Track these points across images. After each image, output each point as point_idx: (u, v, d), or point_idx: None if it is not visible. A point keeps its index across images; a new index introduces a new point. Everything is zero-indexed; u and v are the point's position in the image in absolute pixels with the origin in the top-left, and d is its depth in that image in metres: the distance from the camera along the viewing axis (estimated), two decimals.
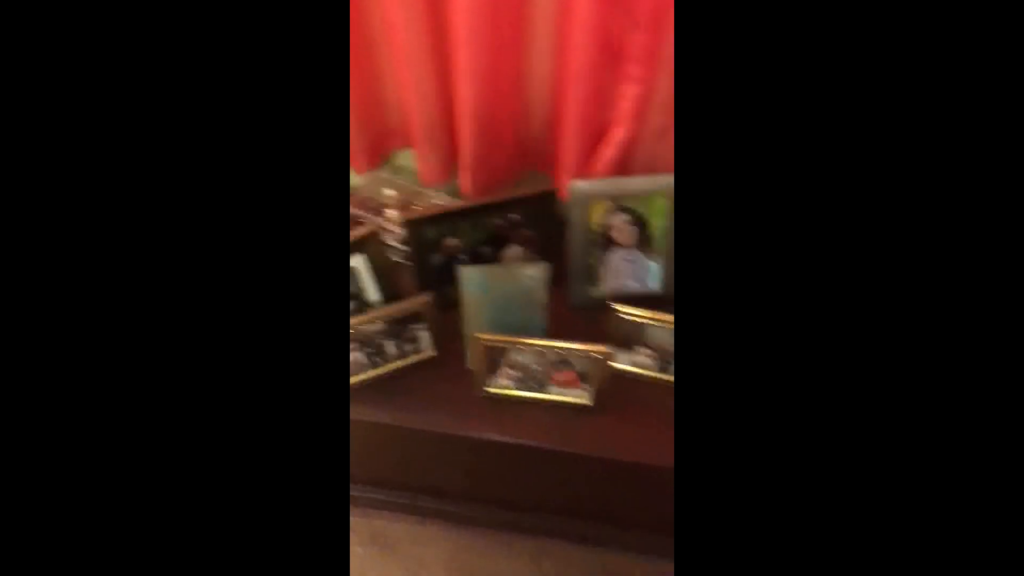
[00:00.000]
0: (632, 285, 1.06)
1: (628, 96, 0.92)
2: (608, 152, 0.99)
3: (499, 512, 1.23)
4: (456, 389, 0.96)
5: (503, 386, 0.95)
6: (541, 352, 0.91)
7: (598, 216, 0.99)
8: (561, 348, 0.89)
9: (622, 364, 0.97)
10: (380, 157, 1.18)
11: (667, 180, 0.97)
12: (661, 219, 0.99)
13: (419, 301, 0.93)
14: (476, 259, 1.03)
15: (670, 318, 0.91)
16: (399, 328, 0.94)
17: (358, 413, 0.92)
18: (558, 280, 1.02)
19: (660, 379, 0.96)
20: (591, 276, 1.05)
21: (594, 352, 0.88)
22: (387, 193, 1.17)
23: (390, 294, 1.00)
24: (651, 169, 1.02)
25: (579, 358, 0.90)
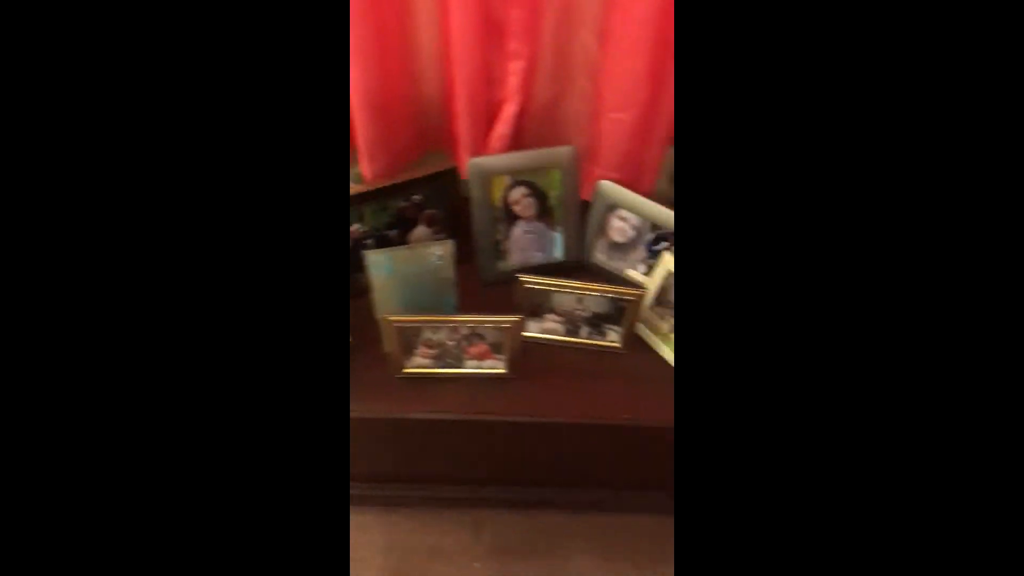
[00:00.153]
0: (537, 256, 1.10)
1: (513, 72, 0.95)
2: (501, 128, 1.01)
3: (434, 489, 1.25)
4: (374, 374, 0.97)
5: (420, 365, 0.97)
6: (454, 328, 0.93)
7: (498, 191, 1.02)
8: (473, 322, 0.92)
9: (533, 332, 1.01)
10: None
11: (560, 152, 1.01)
12: (558, 190, 1.03)
13: None
14: (383, 243, 1.03)
15: (575, 284, 0.95)
16: None
17: None
18: (467, 257, 1.04)
19: (568, 342, 1.01)
20: (498, 251, 1.08)
21: (505, 322, 0.91)
22: None
23: None
24: (543, 142, 1.05)
25: (491, 330, 0.93)
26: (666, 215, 0.99)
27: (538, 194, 1.04)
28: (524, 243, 1.08)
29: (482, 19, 0.87)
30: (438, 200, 1.05)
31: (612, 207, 1.04)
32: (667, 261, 0.96)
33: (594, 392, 0.96)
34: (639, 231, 1.04)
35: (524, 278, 0.96)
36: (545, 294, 0.97)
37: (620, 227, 1.05)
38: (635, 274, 1.07)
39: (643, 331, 1.02)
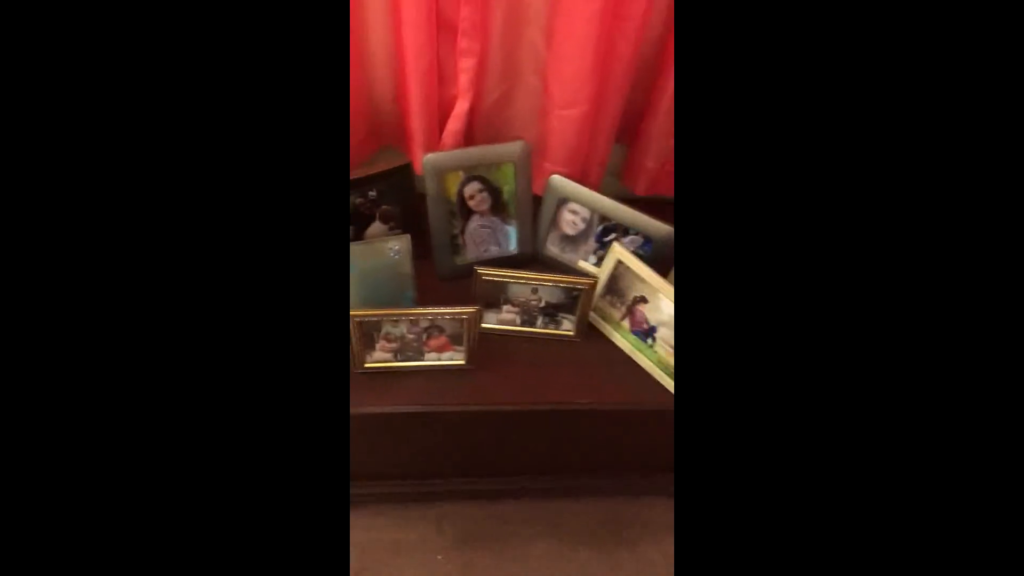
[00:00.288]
0: (492, 250, 1.12)
1: (464, 69, 0.97)
2: (453, 125, 1.03)
3: (397, 486, 1.26)
4: None
5: (380, 359, 0.98)
6: (414, 321, 0.94)
7: (453, 187, 1.04)
8: (432, 313, 0.93)
9: (490, 324, 1.03)
10: None
11: (513, 147, 1.04)
12: (511, 184, 1.06)
13: None
14: None
15: (529, 275, 0.98)
16: None
17: None
18: (424, 253, 1.06)
19: (525, 332, 1.04)
20: (454, 245, 1.09)
21: (463, 313, 0.93)
22: None
23: None
24: (494, 138, 1.08)
25: (449, 321, 0.95)
26: (614, 207, 1.04)
27: (492, 189, 1.06)
28: (479, 237, 1.10)
29: (433, 17, 0.89)
30: (393, 196, 1.06)
31: (563, 201, 1.08)
32: (616, 251, 1.00)
33: (551, 379, 0.99)
34: (589, 223, 1.08)
35: (482, 270, 0.98)
36: (502, 286, 1.00)
37: (571, 220, 1.09)
38: (586, 265, 1.11)
39: (596, 319, 1.06)
